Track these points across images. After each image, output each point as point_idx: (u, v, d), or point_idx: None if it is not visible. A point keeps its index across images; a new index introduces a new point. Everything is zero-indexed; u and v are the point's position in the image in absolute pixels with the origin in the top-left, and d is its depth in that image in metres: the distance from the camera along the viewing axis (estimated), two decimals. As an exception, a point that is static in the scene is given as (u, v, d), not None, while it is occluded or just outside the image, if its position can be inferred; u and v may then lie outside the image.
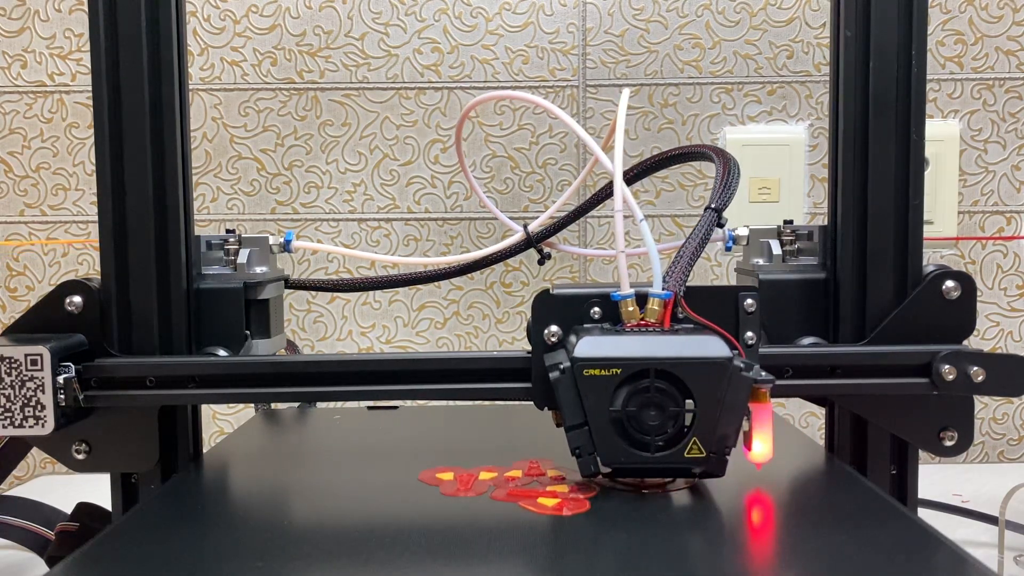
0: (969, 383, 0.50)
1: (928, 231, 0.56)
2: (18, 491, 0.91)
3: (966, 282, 0.52)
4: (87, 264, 1.02)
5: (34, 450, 0.58)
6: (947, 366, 0.50)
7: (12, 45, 1.00)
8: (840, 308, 0.53)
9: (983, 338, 1.02)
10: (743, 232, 0.60)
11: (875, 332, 0.52)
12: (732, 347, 0.45)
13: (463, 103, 1.00)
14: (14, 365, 0.48)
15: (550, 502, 0.46)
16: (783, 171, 0.99)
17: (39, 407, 0.48)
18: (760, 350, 0.53)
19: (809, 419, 1.03)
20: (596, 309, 0.49)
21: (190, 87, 0.78)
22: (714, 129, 1.00)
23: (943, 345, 0.51)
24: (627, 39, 1.00)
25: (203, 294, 0.55)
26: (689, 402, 0.45)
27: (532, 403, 0.50)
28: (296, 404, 0.72)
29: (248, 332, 0.56)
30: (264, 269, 0.59)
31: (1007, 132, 1.01)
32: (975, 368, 0.50)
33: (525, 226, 0.65)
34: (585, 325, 0.48)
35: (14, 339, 0.50)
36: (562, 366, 0.45)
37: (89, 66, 0.52)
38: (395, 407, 0.70)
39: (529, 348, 0.50)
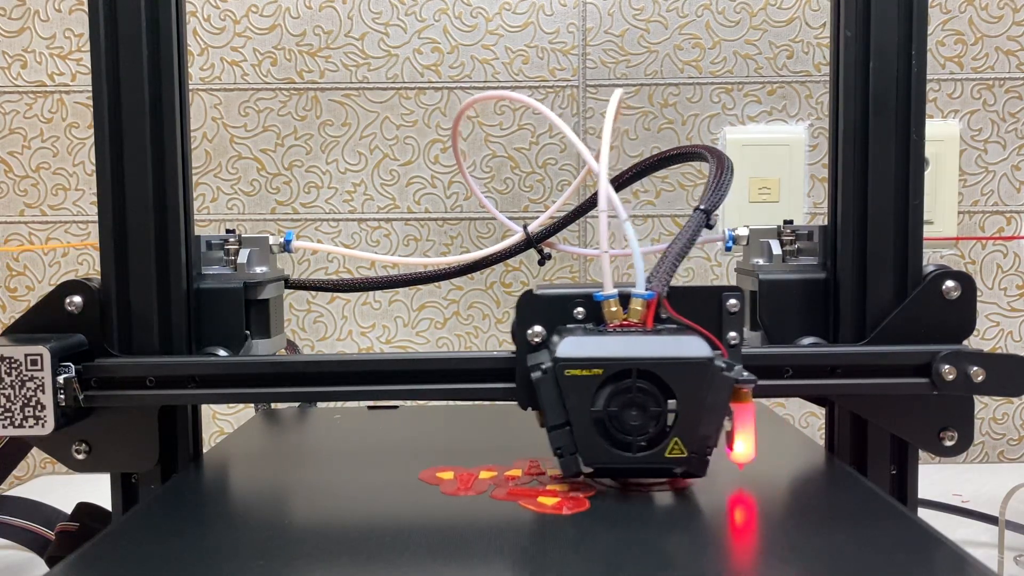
0: (969, 383, 0.50)
1: (928, 231, 0.56)
2: (18, 491, 0.91)
3: (966, 282, 0.52)
4: (87, 264, 1.02)
5: (34, 450, 0.58)
6: (947, 366, 0.50)
7: (12, 45, 1.00)
8: (840, 308, 0.53)
9: (983, 338, 1.02)
10: (743, 232, 0.60)
11: (875, 332, 0.52)
12: (714, 347, 0.45)
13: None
14: (14, 365, 0.48)
15: (550, 501, 0.46)
16: (783, 171, 0.99)
17: (39, 407, 0.48)
18: (760, 350, 0.53)
19: (809, 419, 1.03)
20: (580, 309, 0.49)
21: (190, 87, 0.78)
22: (714, 129, 1.00)
23: (943, 345, 0.51)
24: (627, 39, 1.00)
25: (203, 294, 0.55)
26: (672, 402, 0.45)
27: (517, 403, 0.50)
28: (296, 404, 0.72)
29: (248, 332, 0.56)
30: (264, 269, 0.59)
31: (1007, 132, 1.01)
32: (975, 368, 0.50)
33: (525, 226, 0.65)
34: (568, 325, 0.48)
35: (14, 339, 0.50)
36: (544, 366, 0.45)
37: (89, 66, 0.52)
38: (395, 407, 0.70)
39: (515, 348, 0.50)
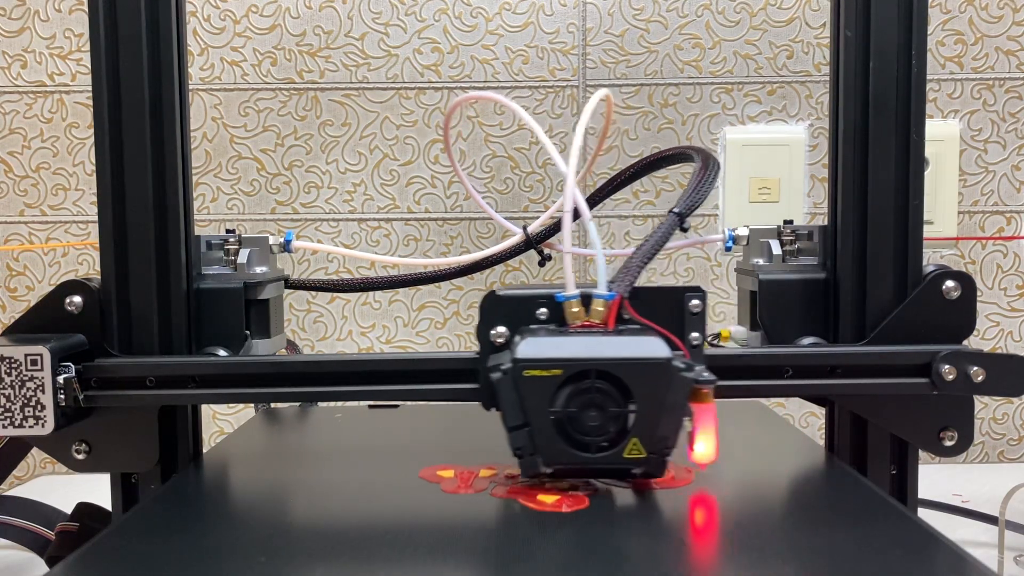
0: (969, 383, 0.50)
1: (928, 231, 0.56)
2: (18, 491, 0.91)
3: (966, 282, 0.52)
4: (87, 264, 1.02)
5: (34, 450, 0.58)
6: (947, 366, 0.50)
7: (12, 45, 1.00)
8: (840, 308, 0.53)
9: (983, 338, 1.02)
10: (743, 232, 0.60)
11: (875, 332, 0.52)
12: (674, 348, 0.45)
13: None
14: (14, 365, 0.48)
15: (550, 499, 0.46)
16: (783, 171, 0.99)
17: (39, 407, 0.48)
18: (760, 350, 0.53)
19: (809, 419, 1.03)
20: (543, 310, 0.49)
21: (190, 87, 0.78)
22: (714, 129, 1.00)
23: (943, 345, 0.51)
24: (627, 39, 1.00)
25: (203, 294, 0.55)
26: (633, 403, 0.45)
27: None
28: (296, 404, 0.72)
29: (248, 332, 0.56)
30: (264, 269, 0.59)
31: (1007, 132, 1.01)
32: (975, 368, 0.50)
33: (524, 227, 0.65)
34: (532, 326, 0.48)
35: (14, 339, 0.50)
36: (503, 367, 0.45)
37: (89, 66, 0.52)
38: (396, 405, 0.70)
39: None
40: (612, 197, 0.67)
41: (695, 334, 0.49)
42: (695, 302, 0.49)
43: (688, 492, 0.48)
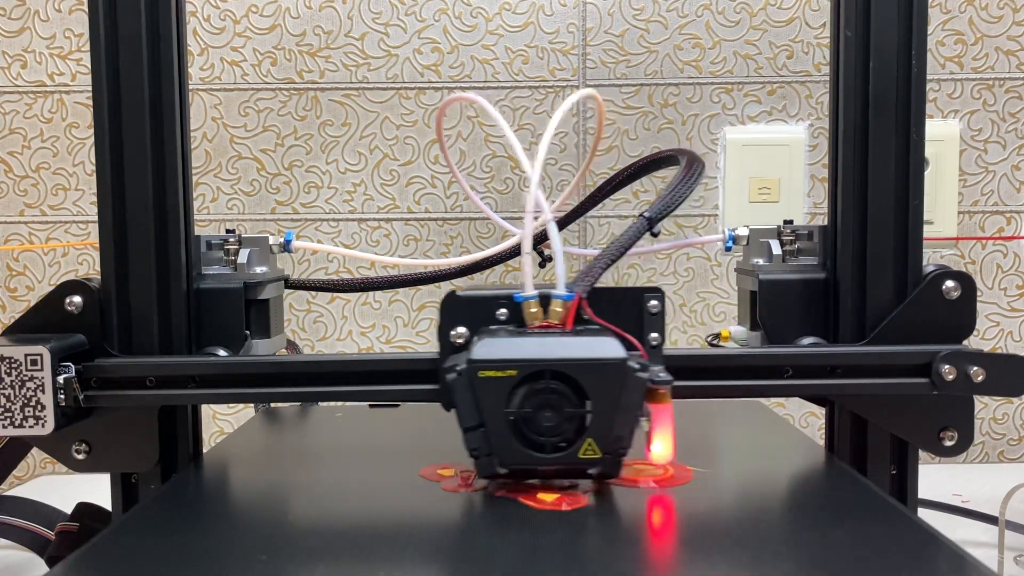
0: (969, 383, 0.50)
1: (928, 231, 0.56)
2: (18, 491, 0.91)
3: (966, 282, 0.52)
4: (87, 264, 1.02)
5: (34, 450, 0.58)
6: (947, 366, 0.50)
7: (12, 45, 1.00)
8: (840, 308, 0.53)
9: (983, 338, 1.02)
10: (743, 232, 0.60)
11: (875, 332, 0.52)
12: (631, 348, 0.45)
13: (463, 103, 1.00)
14: (14, 365, 0.48)
15: (549, 497, 0.46)
16: (783, 171, 0.99)
17: (39, 407, 0.48)
18: (760, 350, 0.53)
19: (809, 419, 1.03)
20: (503, 311, 0.49)
21: (190, 87, 0.78)
22: (714, 129, 1.00)
23: (943, 345, 0.51)
24: (627, 39, 1.00)
25: (203, 294, 0.55)
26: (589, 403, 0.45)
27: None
28: (297, 403, 0.72)
29: (248, 332, 0.56)
30: (264, 269, 0.59)
31: (1007, 132, 1.01)
32: (975, 368, 0.50)
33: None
34: (492, 327, 0.48)
35: (14, 339, 0.50)
36: (459, 368, 0.45)
37: (89, 66, 0.52)
38: (396, 405, 0.70)
39: None
40: (612, 197, 0.67)
41: (654, 334, 0.49)
42: (654, 303, 0.49)
43: (688, 491, 0.48)
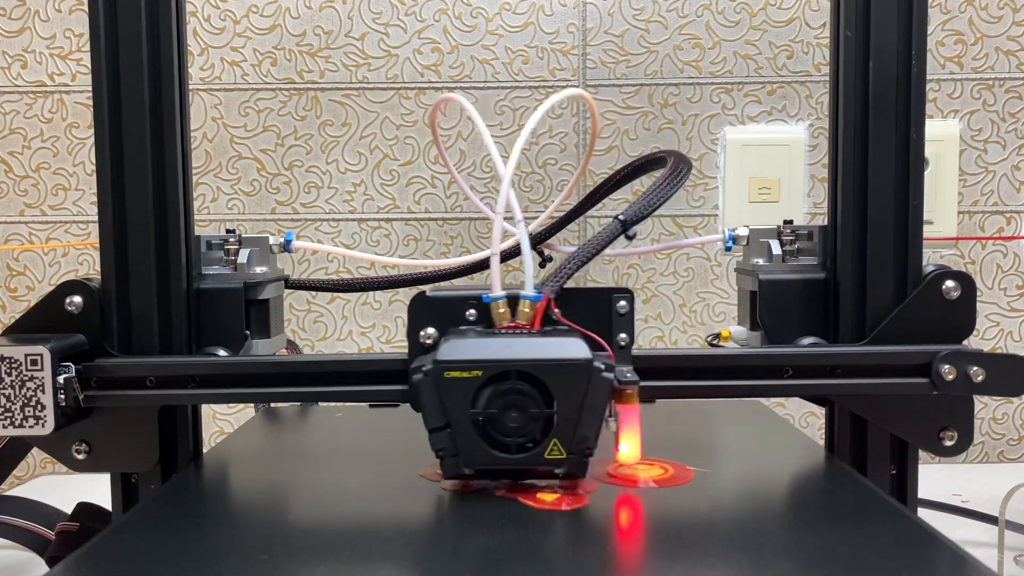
0: (969, 383, 0.50)
1: (928, 231, 0.56)
2: (18, 491, 0.91)
3: (966, 282, 0.52)
4: (87, 264, 1.02)
5: (34, 450, 0.58)
6: (947, 366, 0.50)
7: (12, 45, 1.00)
8: (840, 308, 0.53)
9: (983, 338, 1.02)
10: (743, 232, 0.60)
11: (875, 332, 0.52)
12: (597, 348, 0.45)
13: (463, 103, 1.00)
14: (14, 365, 0.48)
15: (549, 497, 0.46)
16: (783, 171, 0.99)
17: (39, 407, 0.48)
18: (760, 350, 0.53)
19: (809, 419, 1.03)
20: (472, 311, 0.49)
21: (190, 87, 0.78)
22: (714, 129, 1.00)
23: (943, 345, 0.51)
24: (627, 39, 1.00)
25: (203, 294, 0.55)
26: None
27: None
28: (297, 403, 0.72)
29: (248, 332, 0.56)
30: (264, 269, 0.59)
31: (1007, 132, 1.01)
32: (975, 368, 0.50)
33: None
34: (460, 328, 0.48)
35: (14, 339, 0.50)
36: (424, 368, 0.45)
37: (89, 66, 0.52)
38: (396, 404, 0.70)
39: None
40: (612, 197, 0.67)
41: (623, 335, 0.49)
42: (622, 303, 0.49)
43: (688, 491, 0.48)
